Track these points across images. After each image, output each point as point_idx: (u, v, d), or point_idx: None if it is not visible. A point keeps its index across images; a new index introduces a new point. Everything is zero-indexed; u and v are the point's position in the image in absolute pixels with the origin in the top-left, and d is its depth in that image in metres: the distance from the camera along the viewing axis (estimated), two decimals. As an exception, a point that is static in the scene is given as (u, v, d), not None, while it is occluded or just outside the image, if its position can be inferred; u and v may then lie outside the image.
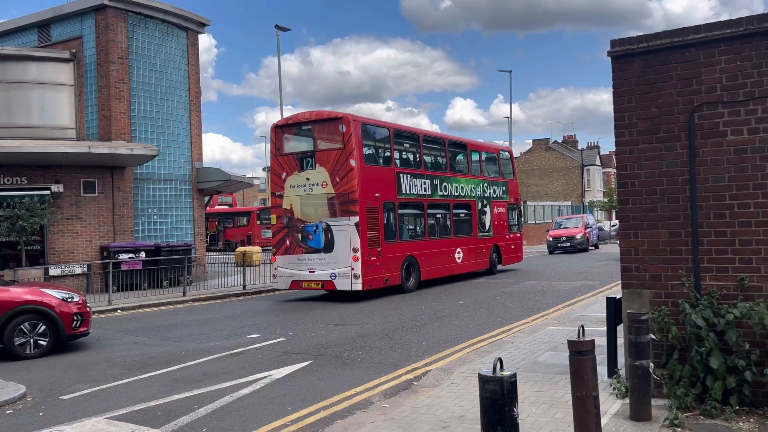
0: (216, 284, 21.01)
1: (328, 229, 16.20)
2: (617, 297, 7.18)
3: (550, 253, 35.16)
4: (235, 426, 6.54)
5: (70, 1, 20.52)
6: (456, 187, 20.42)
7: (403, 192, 17.81)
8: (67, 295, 10.98)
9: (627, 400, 6.15)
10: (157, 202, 21.19)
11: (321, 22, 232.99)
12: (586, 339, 5.00)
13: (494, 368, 3.99)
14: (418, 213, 18.82)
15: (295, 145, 17.55)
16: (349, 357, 9.58)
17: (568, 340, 5.10)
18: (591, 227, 38.12)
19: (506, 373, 3.96)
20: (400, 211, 17.68)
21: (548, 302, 14.85)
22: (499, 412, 3.92)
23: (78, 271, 18.45)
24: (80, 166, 18.95)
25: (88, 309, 11.17)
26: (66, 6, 20.43)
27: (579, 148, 70.74)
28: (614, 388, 6.72)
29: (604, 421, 5.68)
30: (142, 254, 19.18)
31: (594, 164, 68.72)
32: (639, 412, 5.83)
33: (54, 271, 17.86)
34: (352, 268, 15.76)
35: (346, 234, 15.89)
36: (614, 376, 6.96)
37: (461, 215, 20.80)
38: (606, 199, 60.64)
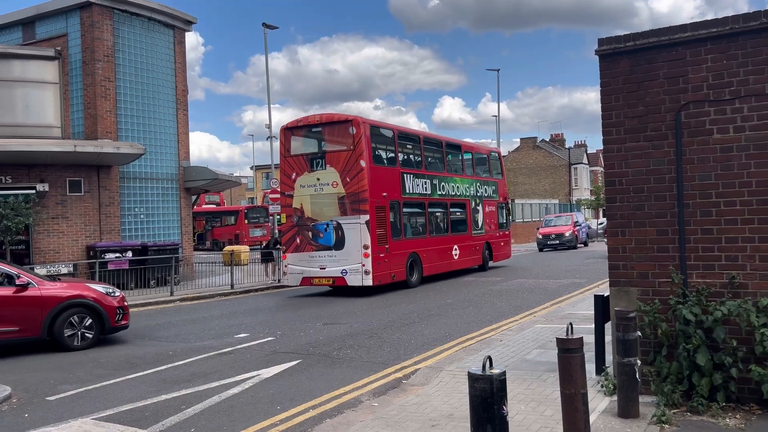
0: (203, 284, 20.91)
1: (338, 227, 16.78)
2: (605, 295, 7.22)
3: (540, 250, 35.57)
4: (224, 426, 6.51)
5: (54, -1, 20.32)
6: (453, 186, 21.19)
7: (407, 191, 18.51)
8: (110, 290, 11.66)
9: (615, 397, 6.18)
10: (143, 201, 21.05)
11: (309, 20, 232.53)
12: (575, 337, 5.02)
13: (484, 366, 3.99)
14: (420, 211, 19.48)
15: (305, 146, 18.11)
16: (337, 356, 9.56)
17: (557, 338, 5.12)
18: (580, 225, 38.48)
19: (496, 371, 3.96)
20: (404, 210, 18.39)
21: (536, 300, 14.91)
22: (489, 411, 3.92)
23: (64, 270, 18.25)
24: (66, 165, 18.77)
25: (126, 303, 11.73)
26: (51, 3, 20.21)
27: (566, 146, 71.07)
28: (602, 386, 6.75)
29: (592, 418, 5.70)
30: (129, 254, 19.04)
31: (581, 162, 69.08)
32: (627, 409, 5.86)
33: (40, 271, 17.61)
34: (363, 265, 16.36)
35: (357, 232, 16.49)
36: (602, 374, 6.99)
37: (457, 214, 21.54)
38: (593, 198, 60.94)
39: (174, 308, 16.29)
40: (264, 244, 27.90)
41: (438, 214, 20.49)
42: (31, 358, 10.29)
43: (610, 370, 6.76)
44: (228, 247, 30.50)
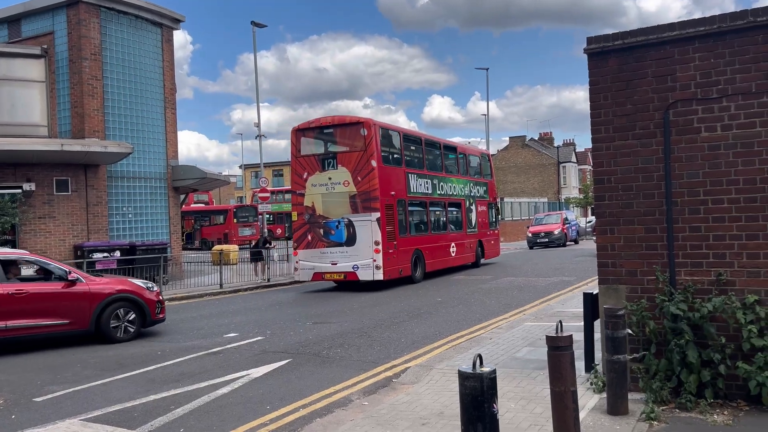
0: (192, 283, 20.80)
1: (350, 225, 17.53)
2: (594, 292, 7.24)
3: (530, 248, 35.84)
4: (214, 426, 6.48)
5: (41, -4, 20.11)
6: (450, 186, 22.15)
7: (411, 191, 19.38)
8: (149, 285, 12.24)
9: (604, 395, 6.20)
10: (131, 201, 20.91)
11: (298, 18, 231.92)
12: (564, 334, 5.03)
13: (474, 365, 3.99)
14: (422, 210, 20.30)
15: (316, 147, 18.80)
16: (327, 355, 9.55)
17: (546, 336, 5.13)
18: (569, 223, 38.71)
19: (486, 369, 3.97)
20: (409, 208, 19.18)
21: (526, 298, 14.95)
22: (479, 409, 3.92)
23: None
24: (53, 164, 18.61)
25: (161, 297, 12.33)
26: (37, 1, 20.00)
27: (555, 145, 71.35)
28: (592, 383, 6.78)
29: (582, 415, 5.72)
30: (117, 253, 18.90)
31: (570, 161, 69.38)
32: (616, 406, 5.89)
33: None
34: (374, 260, 17.14)
35: (368, 228, 17.26)
36: (592, 371, 7.02)
37: (454, 213, 22.46)
38: (582, 196, 61.26)
39: (163, 308, 16.17)
40: (253, 244, 27.83)
41: (438, 212, 21.30)
42: (18, 359, 10.19)
43: (600, 367, 6.79)
44: (217, 247, 30.38)
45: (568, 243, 37.16)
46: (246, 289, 19.45)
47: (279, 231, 51.09)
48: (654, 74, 6.35)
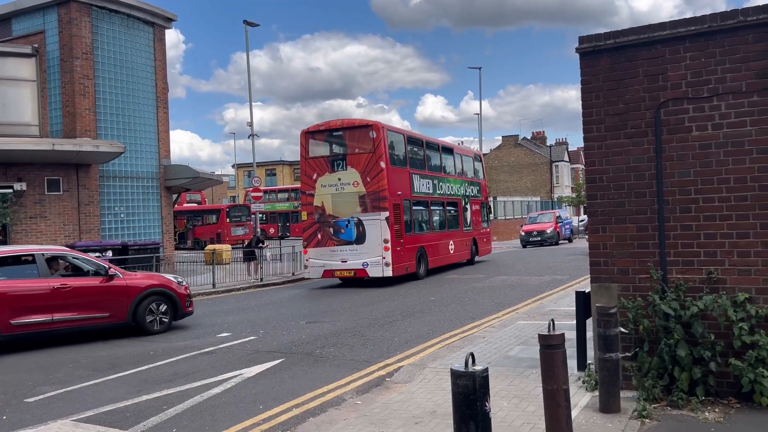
0: (185, 283, 20.71)
1: (359, 223, 18.16)
2: (586, 291, 7.27)
3: (524, 246, 36.00)
4: (206, 425, 6.46)
5: (31, -5, 20.00)
6: (448, 186, 22.93)
7: (415, 190, 20.06)
8: (180, 279, 12.90)
9: (597, 393, 6.22)
10: (123, 200, 20.83)
11: (290, 18, 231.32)
12: (556, 333, 5.04)
13: (466, 363, 3.99)
14: (425, 209, 21.05)
15: (326, 148, 19.47)
16: (320, 354, 9.54)
17: (539, 334, 5.15)
18: (563, 222, 38.86)
19: (478, 368, 3.97)
20: (413, 208, 19.93)
21: (518, 297, 14.98)
22: (472, 407, 3.93)
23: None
24: (44, 164, 18.52)
25: (190, 291, 12.92)
26: (28, 0, 19.92)
27: (548, 144, 71.51)
28: (584, 381, 6.80)
29: (574, 413, 5.74)
30: (109, 253, 18.79)
31: (562, 160, 69.55)
32: (608, 404, 5.91)
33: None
34: (383, 257, 17.82)
35: (378, 227, 17.90)
36: (584, 370, 7.04)
37: (451, 212, 23.16)
38: (574, 195, 61.44)
39: (155, 308, 16.10)
40: (246, 243, 27.75)
41: (438, 211, 22.05)
42: (9, 359, 10.14)
43: (593, 365, 6.81)
44: (210, 246, 30.29)
45: (561, 241, 37.35)
46: (239, 289, 19.40)
47: (272, 230, 51.04)
48: (645, 73, 6.38)
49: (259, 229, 27.36)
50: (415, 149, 20.94)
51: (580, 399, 6.36)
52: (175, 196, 24.08)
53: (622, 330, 6.25)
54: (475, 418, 3.93)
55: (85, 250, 18.29)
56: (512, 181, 68.25)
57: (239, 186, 76.90)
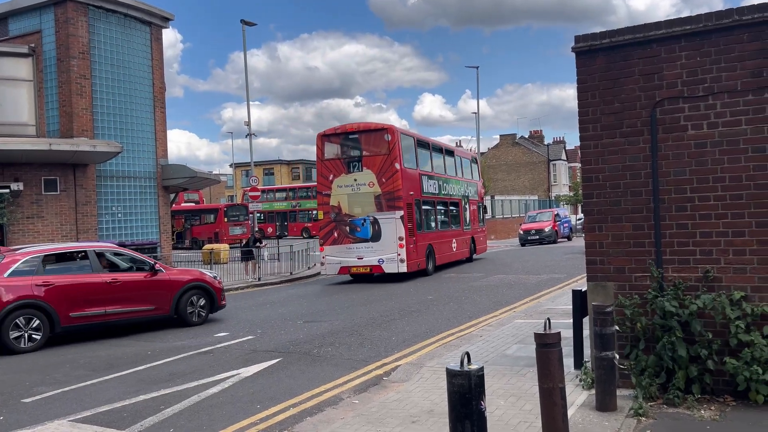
0: (183, 282, 20.67)
1: (375, 222, 19.00)
2: (583, 290, 7.28)
3: (522, 245, 36.14)
4: (204, 425, 6.47)
5: (28, -5, 19.94)
6: (451, 187, 23.85)
7: (424, 191, 20.96)
8: (215, 274, 13.72)
9: (593, 391, 6.24)
10: (121, 200, 20.80)
11: (288, 17, 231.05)
12: (552, 331, 5.05)
13: (462, 362, 4.00)
14: (432, 209, 21.95)
15: (342, 151, 20.26)
16: (318, 354, 9.55)
17: (535, 333, 5.16)
18: (561, 220, 38.98)
19: (473, 367, 3.98)
20: (423, 207, 20.79)
21: (516, 295, 15.00)
22: (467, 406, 3.94)
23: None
24: (41, 164, 18.48)
25: (222, 286, 13.63)
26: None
27: (545, 143, 71.56)
28: (581, 380, 6.82)
29: (571, 411, 5.76)
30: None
31: (560, 159, 69.59)
32: (605, 403, 5.92)
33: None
34: (399, 254, 18.69)
35: (393, 225, 18.77)
36: (581, 368, 7.06)
37: (453, 211, 24.09)
38: (572, 194, 61.47)
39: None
40: (244, 243, 27.75)
41: (442, 211, 22.93)
42: (7, 360, 10.13)
43: (589, 364, 6.83)
44: (207, 246, 30.28)
45: (560, 240, 37.48)
46: (237, 289, 19.39)
47: (270, 230, 51.01)
48: (641, 72, 6.39)
49: (257, 228, 27.33)
50: (423, 151, 21.76)
51: (577, 397, 6.38)
52: (172, 196, 24.05)
53: (618, 328, 6.27)
54: (470, 417, 3.95)
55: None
56: (510, 179, 68.29)
57: (237, 185, 76.81)
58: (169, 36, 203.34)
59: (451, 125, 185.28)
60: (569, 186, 67.80)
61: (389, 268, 18.74)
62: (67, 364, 9.64)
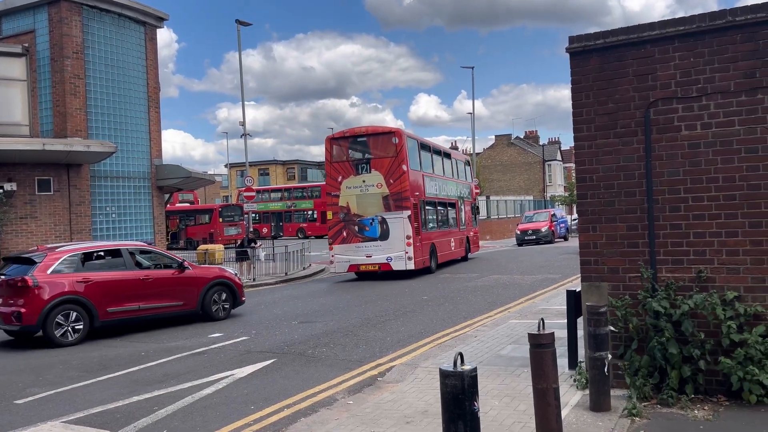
0: (177, 283, 20.62)
1: (383, 221, 19.67)
2: (577, 290, 7.28)
3: (519, 245, 36.24)
4: (198, 426, 6.45)
5: (21, -6, 19.86)
6: (449, 188, 24.70)
7: (427, 192, 21.71)
8: (236, 272, 15.08)
9: (587, 391, 6.24)
10: (115, 200, 20.75)
11: (284, 17, 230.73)
12: (546, 332, 5.06)
13: (455, 363, 4.00)
14: (433, 209, 22.70)
15: (351, 153, 20.92)
16: (313, 354, 9.53)
17: (529, 334, 5.16)
18: (558, 220, 39.10)
19: (467, 367, 3.97)
20: (426, 208, 21.54)
21: (511, 296, 15.01)
22: (460, 407, 3.94)
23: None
24: (34, 164, 18.42)
25: (242, 283, 14.52)
26: (18, -1, 19.80)
27: (540, 143, 71.68)
28: (575, 380, 6.82)
29: (564, 412, 5.76)
30: (101, 253, 18.73)
31: (555, 159, 69.74)
32: (599, 403, 5.93)
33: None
34: (406, 252, 19.36)
35: (401, 225, 19.47)
36: (575, 368, 7.06)
37: (452, 212, 24.90)
38: (567, 194, 61.60)
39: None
40: (239, 243, 27.69)
41: (442, 211, 23.68)
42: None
43: (584, 364, 6.83)
44: (202, 246, 30.19)
45: (556, 240, 37.57)
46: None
47: (265, 230, 50.93)
48: (635, 73, 6.40)
49: (251, 229, 27.26)
50: (425, 154, 22.46)
51: (571, 398, 6.38)
52: (167, 196, 23.99)
53: (612, 329, 6.27)
54: (463, 417, 3.94)
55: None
56: (505, 180, 68.38)
57: (232, 186, 76.70)
58: (164, 36, 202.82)
59: (446, 125, 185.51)
60: (564, 186, 68.01)
61: (397, 265, 19.36)
62: (59, 365, 9.59)
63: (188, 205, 50.40)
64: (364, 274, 20.37)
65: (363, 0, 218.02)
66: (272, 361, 9.16)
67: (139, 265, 12.62)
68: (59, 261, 11.44)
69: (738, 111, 5.98)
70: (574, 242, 36.20)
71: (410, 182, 19.74)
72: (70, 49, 19.31)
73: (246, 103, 28.98)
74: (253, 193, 26.57)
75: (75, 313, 11.25)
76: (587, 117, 6.64)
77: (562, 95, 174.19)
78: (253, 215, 41.68)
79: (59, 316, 11.05)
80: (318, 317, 13.10)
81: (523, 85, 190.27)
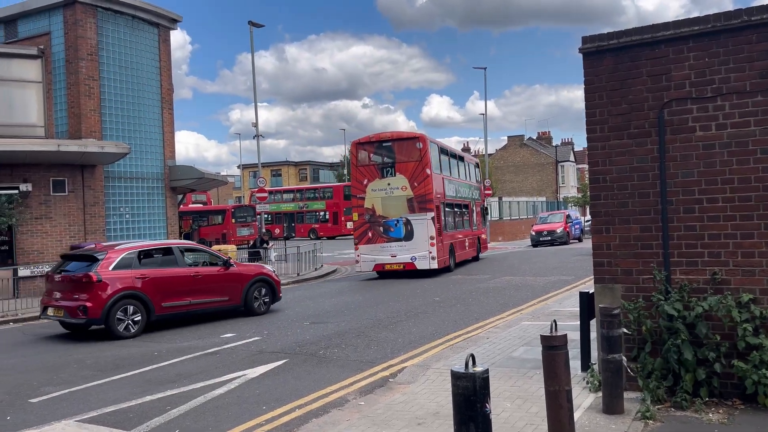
0: (190, 283, 20.71)
1: (408, 223, 20.42)
2: (590, 292, 7.24)
3: (534, 246, 36.22)
4: (209, 426, 6.47)
5: (37, -3, 20.06)
6: (463, 190, 25.45)
7: (447, 194, 22.52)
8: (274, 269, 15.91)
9: (600, 394, 6.20)
10: (129, 201, 20.89)
11: (296, 19, 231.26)
12: (559, 334, 5.03)
13: (466, 364, 3.98)
14: (451, 210, 23.32)
15: (376, 157, 21.63)
16: (324, 355, 9.54)
17: (541, 335, 5.13)
18: (572, 222, 39.02)
19: (478, 369, 3.96)
20: (445, 209, 22.16)
21: (523, 297, 14.95)
22: (472, 408, 3.92)
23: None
24: (49, 165, 18.58)
25: (279, 280, 15.11)
26: (34, 1, 19.95)
27: (553, 144, 71.38)
28: (588, 382, 6.78)
29: (577, 414, 5.73)
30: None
31: (568, 160, 69.40)
32: (612, 406, 5.89)
33: (23, 272, 17.53)
34: (430, 252, 20.16)
35: (424, 226, 20.21)
36: (588, 370, 7.02)
37: (465, 213, 25.59)
38: (580, 195, 61.28)
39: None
40: (251, 243, 27.78)
41: (458, 212, 24.38)
42: (14, 360, 10.18)
43: (596, 366, 6.79)
44: (215, 247, 30.26)
45: (571, 241, 37.47)
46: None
47: (277, 231, 51.09)
48: (649, 73, 6.35)
49: (264, 229, 27.37)
50: (444, 158, 23.21)
51: (584, 400, 6.34)
52: (180, 197, 24.12)
53: (626, 331, 6.23)
54: (475, 419, 3.92)
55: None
56: (518, 181, 68.15)
57: (245, 186, 77.02)
58: (178, 37, 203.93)
59: (458, 126, 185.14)
60: (577, 188, 67.63)
61: (421, 265, 20.09)
62: (74, 364, 9.67)
63: (201, 205, 50.65)
64: (385, 273, 20.94)
65: (375, 1, 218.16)
66: (284, 361, 9.18)
67: (188, 262, 13.22)
68: (119, 258, 12.06)
69: (754, 111, 5.91)
70: (588, 243, 35.98)
71: (434, 185, 20.47)
72: (85, 51, 19.47)
73: (258, 104, 29.11)
74: (266, 194, 26.68)
75: (133, 307, 11.88)
76: (600, 118, 6.60)
77: (575, 96, 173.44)
78: (266, 216, 41.81)
79: (119, 311, 11.68)
80: (330, 318, 13.12)
81: (535, 86, 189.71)
